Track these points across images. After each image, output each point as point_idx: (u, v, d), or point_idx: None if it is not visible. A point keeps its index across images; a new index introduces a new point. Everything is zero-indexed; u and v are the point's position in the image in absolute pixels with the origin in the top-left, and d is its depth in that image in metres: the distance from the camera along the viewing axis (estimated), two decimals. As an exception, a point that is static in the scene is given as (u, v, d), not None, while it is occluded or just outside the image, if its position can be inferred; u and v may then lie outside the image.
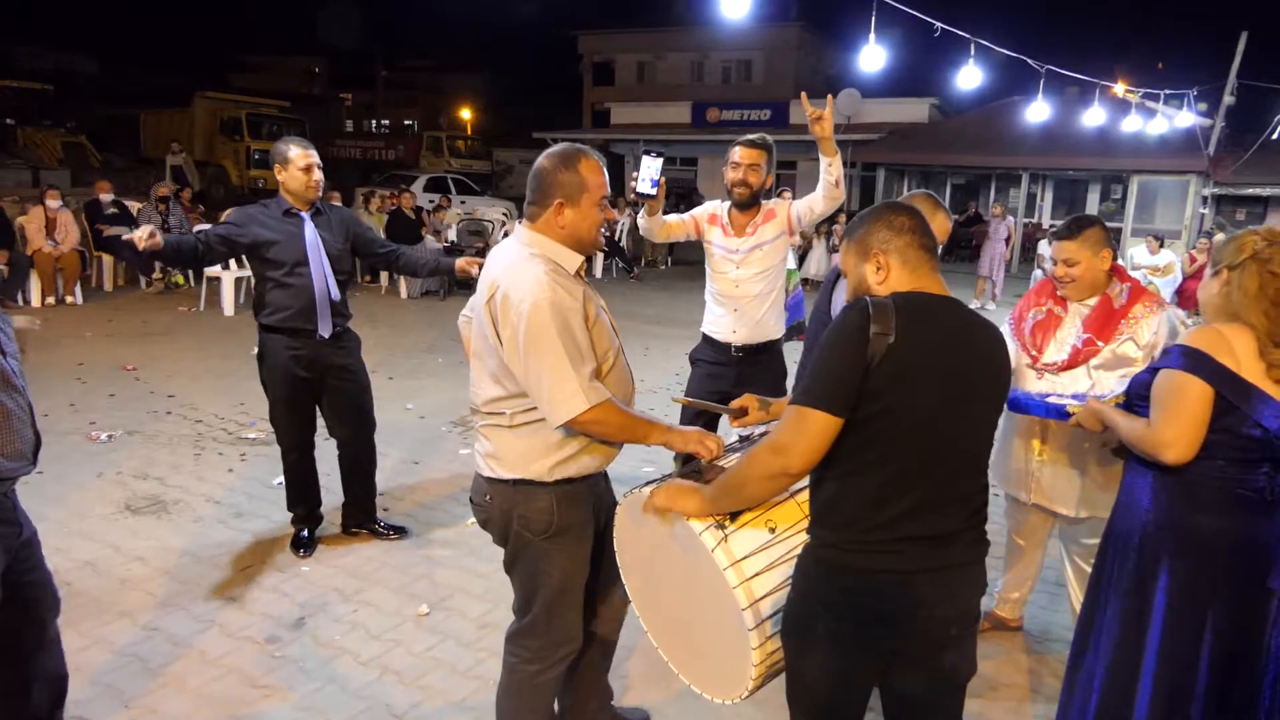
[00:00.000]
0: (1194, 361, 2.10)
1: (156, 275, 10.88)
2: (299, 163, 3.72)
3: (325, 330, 3.83)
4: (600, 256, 14.96)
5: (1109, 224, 18.09)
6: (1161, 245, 13.08)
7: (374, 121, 47.99)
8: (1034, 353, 3.11)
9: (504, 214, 16.34)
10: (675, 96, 28.70)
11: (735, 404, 2.31)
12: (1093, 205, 20.98)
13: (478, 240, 12.17)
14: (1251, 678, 2.16)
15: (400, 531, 4.23)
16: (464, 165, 28.22)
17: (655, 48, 33.68)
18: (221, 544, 4.06)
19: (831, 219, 15.02)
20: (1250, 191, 18.16)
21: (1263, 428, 2.05)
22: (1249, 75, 16.25)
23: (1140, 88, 14.44)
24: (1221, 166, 17.24)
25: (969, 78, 8.41)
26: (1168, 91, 14.42)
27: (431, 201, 15.61)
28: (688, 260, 16.97)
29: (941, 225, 2.88)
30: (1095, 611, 2.41)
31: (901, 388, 1.71)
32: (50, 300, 9.83)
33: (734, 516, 2.00)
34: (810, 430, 1.73)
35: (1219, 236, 13.35)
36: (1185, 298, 12.73)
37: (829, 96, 3.41)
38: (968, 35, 8.53)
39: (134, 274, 11.23)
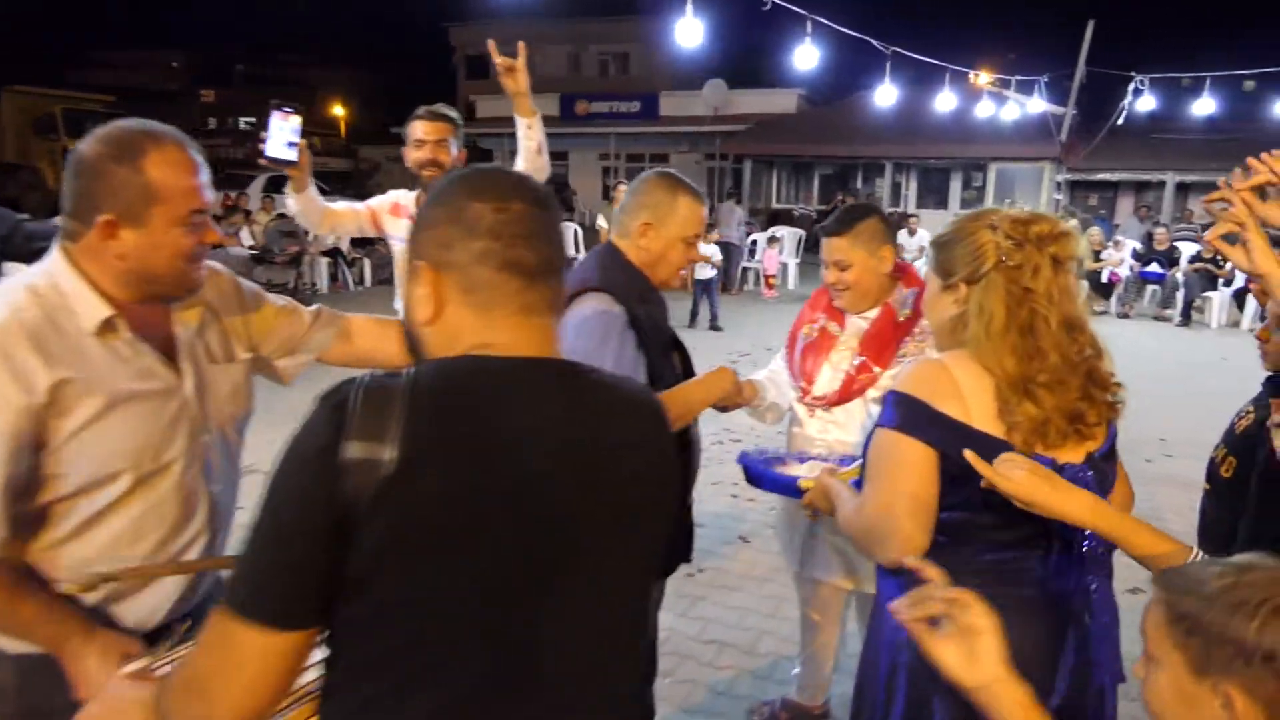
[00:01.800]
0: (906, 413, 1.41)
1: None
2: None
3: None
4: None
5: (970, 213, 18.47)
6: (1017, 232, 13.01)
7: (237, 119, 45.69)
8: (803, 384, 2.42)
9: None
10: (551, 89, 27.71)
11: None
12: (955, 193, 21.14)
13: (291, 244, 10.95)
14: None
15: None
16: (320, 163, 26.53)
17: (530, 40, 32.36)
18: None
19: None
20: (1100, 177, 18.58)
21: None
22: (1096, 63, 16.50)
23: (993, 74, 14.40)
24: (1073, 153, 17.53)
25: (806, 57, 7.87)
26: (1018, 78, 14.42)
27: (268, 199, 14.42)
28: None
29: (688, 214, 2.05)
30: None
31: (422, 556, 0.89)
32: None
33: None
34: (241, 659, 0.89)
35: (1072, 223, 13.34)
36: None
37: (520, 44, 2.72)
38: (804, 12, 8.01)
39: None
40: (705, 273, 10.78)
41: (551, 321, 1.03)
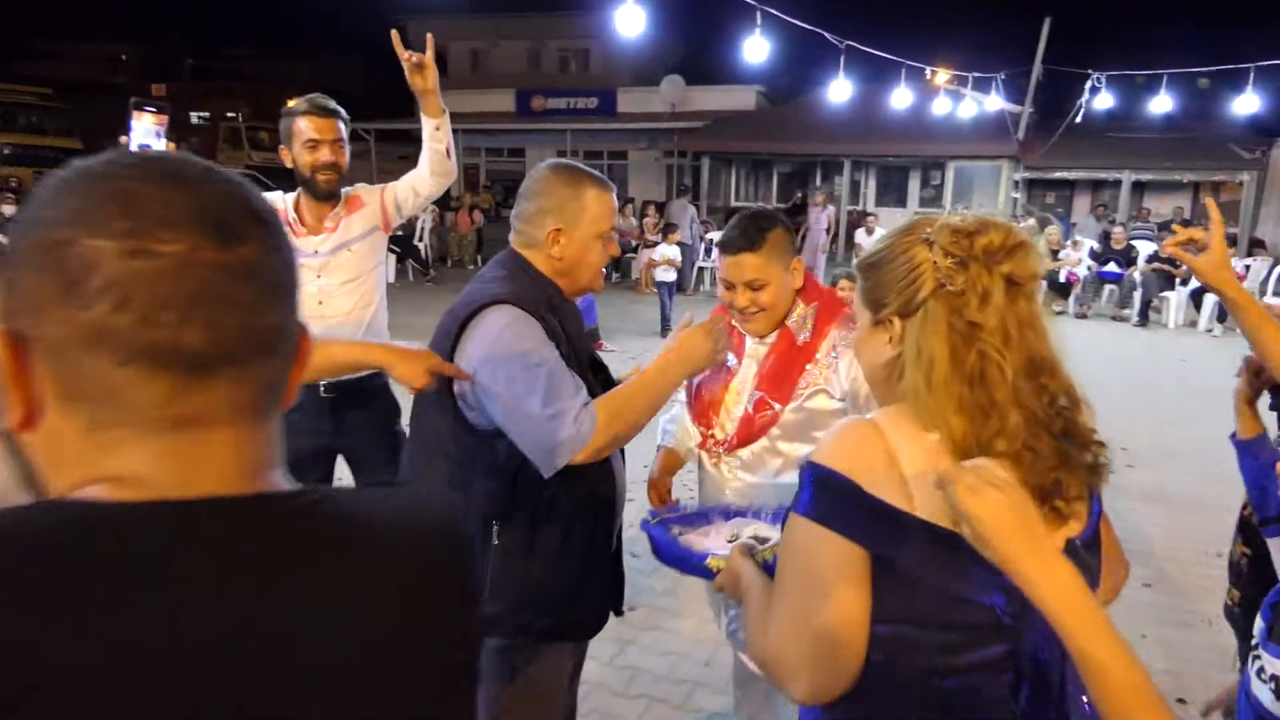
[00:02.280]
0: (826, 498, 1.04)
1: None
2: None
3: None
4: (392, 259, 13.42)
5: (929, 211, 18.35)
6: (975, 231, 12.83)
7: (188, 114, 44.79)
8: (702, 428, 2.10)
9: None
10: (510, 85, 27.21)
11: None
12: (914, 192, 21.03)
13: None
14: None
15: None
16: (267, 159, 25.81)
17: (489, 35, 31.93)
18: None
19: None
20: (1058, 175, 18.53)
21: (982, 605, 1.00)
22: (1054, 61, 16.44)
23: (950, 71, 14.25)
24: (1031, 151, 17.43)
25: (757, 49, 7.56)
26: (975, 75, 14.28)
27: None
28: (500, 259, 15.63)
29: (598, 208, 1.77)
30: None
31: None
32: None
33: None
34: None
35: (1030, 222, 13.16)
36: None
37: (429, 36, 2.54)
38: (755, 3, 7.69)
39: None
40: (667, 275, 10.44)
41: (245, 431, 0.61)
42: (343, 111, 2.75)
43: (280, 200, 2.74)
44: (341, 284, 2.74)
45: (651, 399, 1.73)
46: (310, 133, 2.66)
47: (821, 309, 2.03)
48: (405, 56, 2.48)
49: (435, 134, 2.69)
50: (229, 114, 43.72)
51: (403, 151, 28.22)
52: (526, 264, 1.78)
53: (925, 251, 1.08)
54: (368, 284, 2.80)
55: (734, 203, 22.57)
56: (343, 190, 2.78)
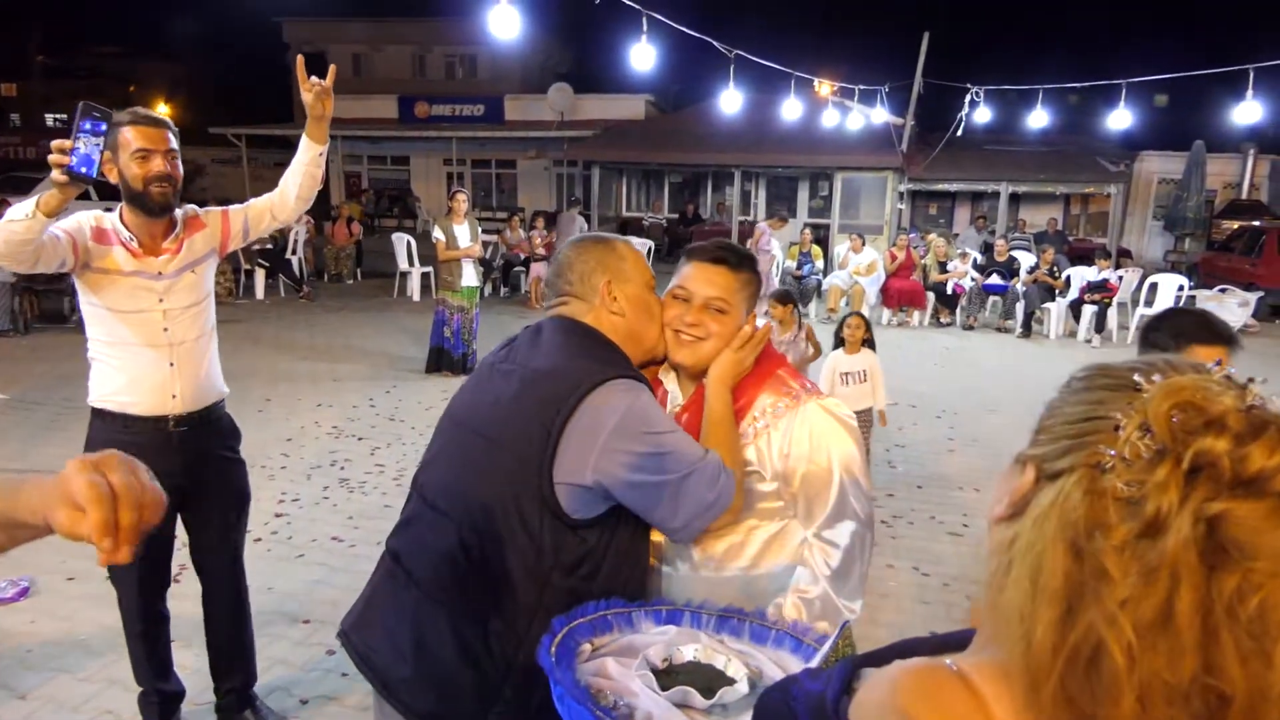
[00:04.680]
0: None
1: None
2: None
3: None
4: (261, 274, 12.49)
5: (818, 221, 17.93)
6: (864, 243, 12.86)
7: (42, 115, 42.18)
8: None
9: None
10: (394, 91, 26.16)
11: None
12: (803, 202, 21.21)
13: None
14: None
15: None
16: (128, 165, 24.15)
17: (372, 38, 30.75)
18: None
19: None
20: (940, 186, 18.96)
21: None
22: (934, 75, 16.80)
23: (836, 83, 14.34)
24: (914, 162, 17.76)
25: (643, 56, 7.22)
26: (861, 88, 14.39)
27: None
28: (380, 272, 14.85)
29: (634, 257, 1.75)
30: None
31: None
32: None
33: None
34: None
35: (934, 237, 13.27)
36: (889, 296, 12.54)
37: (332, 66, 2.61)
38: (640, 8, 7.35)
39: None
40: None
41: None
42: (171, 124, 2.62)
43: (108, 219, 2.56)
44: (186, 308, 2.65)
45: (730, 432, 1.64)
46: (139, 142, 2.50)
47: (759, 363, 1.70)
48: (309, 86, 2.50)
49: (318, 159, 2.72)
50: (89, 116, 41.05)
51: (278, 158, 26.86)
52: (593, 330, 1.65)
53: (1121, 404, 0.63)
54: (208, 309, 2.74)
55: (625, 213, 22.30)
56: (178, 211, 2.66)
